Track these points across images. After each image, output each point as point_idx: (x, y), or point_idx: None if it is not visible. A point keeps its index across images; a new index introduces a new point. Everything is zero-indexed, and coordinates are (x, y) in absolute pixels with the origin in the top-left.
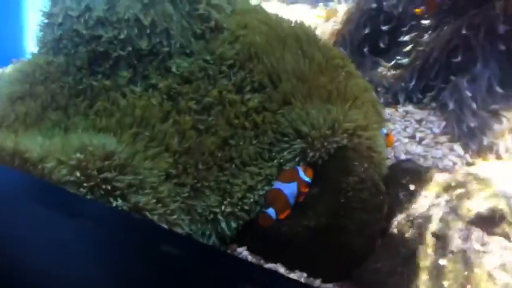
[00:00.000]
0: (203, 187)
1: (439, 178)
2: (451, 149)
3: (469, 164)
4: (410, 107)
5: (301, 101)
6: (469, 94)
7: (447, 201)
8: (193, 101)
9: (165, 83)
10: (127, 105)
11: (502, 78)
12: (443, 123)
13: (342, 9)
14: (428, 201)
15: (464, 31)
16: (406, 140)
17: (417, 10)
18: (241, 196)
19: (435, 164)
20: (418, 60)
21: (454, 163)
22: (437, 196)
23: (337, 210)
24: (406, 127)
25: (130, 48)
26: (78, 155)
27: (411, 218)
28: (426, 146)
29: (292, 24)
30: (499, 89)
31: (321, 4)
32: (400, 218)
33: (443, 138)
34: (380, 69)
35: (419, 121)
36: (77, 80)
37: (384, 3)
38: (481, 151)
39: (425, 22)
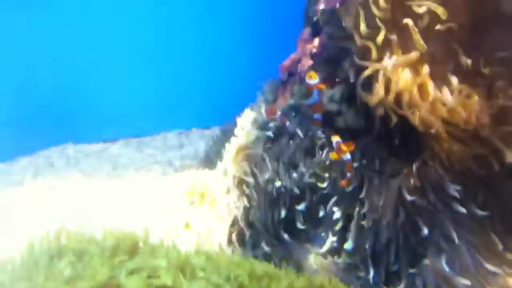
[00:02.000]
0: None
1: None
2: None
3: None
4: None
5: None
6: (465, 283)
7: None
8: None
9: None
10: None
11: (478, 248)
12: None
13: (217, 179)
14: None
15: (409, 197)
16: None
17: (343, 183)
18: None
19: None
20: (364, 241)
21: None
22: None
23: None
24: None
25: None
26: None
27: None
28: None
29: None
30: (489, 266)
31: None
32: None
33: None
34: (312, 259)
35: None
36: None
37: (293, 175)
38: None
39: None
